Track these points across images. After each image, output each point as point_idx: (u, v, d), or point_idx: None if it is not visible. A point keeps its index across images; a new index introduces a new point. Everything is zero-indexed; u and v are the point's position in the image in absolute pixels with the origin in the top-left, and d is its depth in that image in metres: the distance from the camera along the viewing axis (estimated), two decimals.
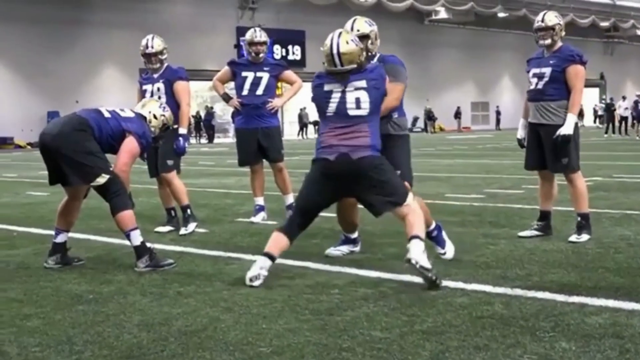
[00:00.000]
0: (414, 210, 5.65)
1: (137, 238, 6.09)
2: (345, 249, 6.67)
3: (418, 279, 5.42)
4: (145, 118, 6.64)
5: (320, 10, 48.70)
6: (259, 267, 5.54)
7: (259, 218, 8.82)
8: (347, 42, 5.75)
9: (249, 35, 8.78)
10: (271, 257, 5.63)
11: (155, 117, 6.71)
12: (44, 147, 6.12)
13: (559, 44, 7.15)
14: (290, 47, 51.21)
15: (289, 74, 8.92)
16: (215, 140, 46.72)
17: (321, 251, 6.74)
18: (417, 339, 4.06)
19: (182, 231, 7.94)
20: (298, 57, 50.29)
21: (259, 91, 8.71)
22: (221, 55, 48.63)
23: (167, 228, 8.16)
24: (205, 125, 47.56)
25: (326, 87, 5.82)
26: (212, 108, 48.35)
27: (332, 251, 6.66)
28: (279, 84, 9.00)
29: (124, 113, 6.45)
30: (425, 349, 3.90)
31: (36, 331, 4.37)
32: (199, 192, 12.24)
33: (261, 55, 8.76)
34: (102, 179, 6.04)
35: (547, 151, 7.09)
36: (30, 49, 41.48)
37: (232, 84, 9.03)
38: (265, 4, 49.55)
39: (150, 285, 5.54)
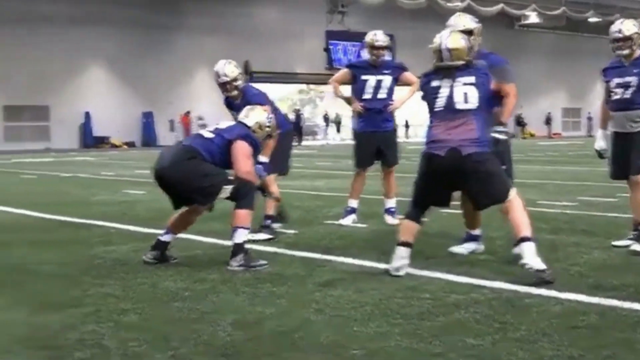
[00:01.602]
0: (516, 206, 5.75)
1: (241, 236, 6.22)
2: (469, 246, 6.70)
3: (509, 286, 5.35)
4: (249, 127, 6.73)
5: (409, 15, 48.49)
6: (400, 257, 5.83)
7: (349, 220, 8.82)
8: (457, 39, 5.86)
9: (369, 38, 8.79)
10: (408, 245, 5.86)
11: (260, 127, 6.80)
12: (161, 180, 6.36)
13: (638, 52, 6.96)
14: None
15: (408, 75, 8.92)
16: (303, 143, 46.96)
17: (412, 254, 6.68)
18: (510, 347, 3.99)
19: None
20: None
21: (381, 94, 8.75)
22: (311, 59, 48.97)
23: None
24: (294, 127, 47.85)
25: (434, 83, 5.92)
26: (300, 110, 48.63)
27: (456, 249, 6.74)
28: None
29: (224, 125, 6.65)
30: (519, 357, 3.83)
31: (133, 326, 4.46)
32: (292, 194, 12.31)
33: (381, 58, 8.78)
34: (226, 192, 6.26)
35: (633, 157, 6.90)
36: (126, 52, 42.49)
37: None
38: (354, 8, 49.56)
39: (243, 284, 5.58)
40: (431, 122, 5.97)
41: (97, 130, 42.11)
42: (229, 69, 7.58)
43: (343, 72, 9.09)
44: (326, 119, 46.76)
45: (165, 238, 6.51)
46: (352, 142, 9.17)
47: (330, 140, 45.61)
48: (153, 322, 4.55)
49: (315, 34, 49.20)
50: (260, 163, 7.19)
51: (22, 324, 4.56)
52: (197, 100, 44.93)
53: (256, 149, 6.66)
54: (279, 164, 7.93)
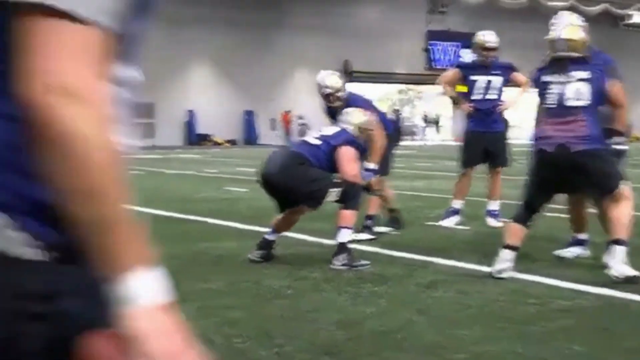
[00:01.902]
0: (623, 203, 5.68)
1: (346, 236, 6.28)
2: (575, 251, 6.58)
3: (618, 294, 5.18)
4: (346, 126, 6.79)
5: (511, 14, 47.70)
6: (504, 259, 5.74)
7: (451, 222, 8.72)
8: (575, 31, 5.80)
9: (479, 39, 8.71)
10: (514, 248, 5.77)
11: (360, 130, 6.83)
12: (269, 184, 6.46)
13: None
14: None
15: (518, 75, 8.80)
16: (402, 143, 46.81)
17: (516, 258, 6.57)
18: (620, 357, 3.87)
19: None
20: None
21: (491, 95, 8.66)
22: (410, 59, 48.71)
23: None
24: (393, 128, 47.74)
25: (545, 78, 5.80)
26: (399, 111, 48.46)
27: (562, 252, 6.61)
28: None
29: (329, 131, 6.72)
30: None
31: (238, 322, 4.51)
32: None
33: (491, 59, 8.68)
34: (333, 195, 6.33)
35: None
36: (229, 50, 43.12)
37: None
38: (455, 8, 49.09)
39: (346, 283, 5.59)
40: (541, 117, 5.86)
41: (200, 128, 42.91)
42: (332, 80, 7.59)
43: (452, 72, 9.02)
44: (425, 119, 46.46)
45: (271, 237, 6.58)
46: (460, 143, 9.10)
47: (429, 141, 45.28)
48: (256, 319, 4.59)
49: (415, 34, 48.94)
50: (369, 169, 7.21)
51: None
52: (298, 100, 45.27)
53: (362, 152, 6.70)
54: (381, 166, 7.89)
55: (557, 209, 6.39)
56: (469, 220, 8.86)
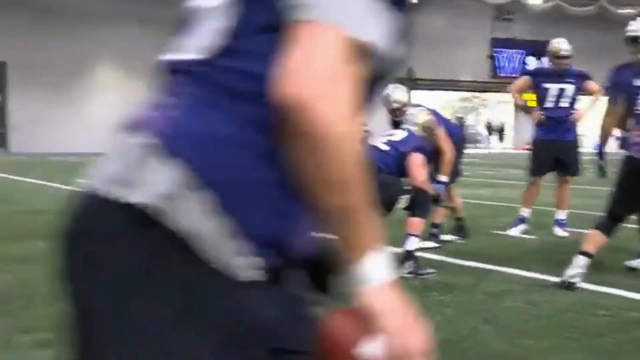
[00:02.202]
0: None
1: (413, 244, 6.26)
2: None
3: None
4: (413, 130, 6.80)
5: (578, 21, 47.02)
6: (578, 265, 5.63)
7: (517, 230, 8.61)
8: None
9: (552, 47, 8.61)
10: (589, 255, 5.67)
11: (424, 129, 6.86)
12: None
13: None
14: (544, 58, 49.92)
15: (591, 84, 8.69)
16: (466, 151, 46.50)
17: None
18: None
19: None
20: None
21: (563, 103, 8.56)
22: (475, 67, 48.39)
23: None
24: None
25: (638, 82, 5.70)
26: (463, 118, 48.13)
27: (634, 263, 6.49)
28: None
29: (397, 137, 6.71)
30: None
31: None
32: None
33: (564, 67, 8.59)
34: (402, 202, 6.31)
35: None
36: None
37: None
38: (521, 15, 48.60)
39: (412, 291, 5.54)
40: (634, 124, 5.76)
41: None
42: (400, 94, 7.56)
43: (523, 79, 8.92)
44: (489, 127, 46.03)
45: None
46: (524, 151, 9.01)
47: (493, 149, 44.84)
48: None
49: (480, 41, 48.61)
50: (440, 182, 7.19)
51: None
52: None
53: (429, 156, 6.68)
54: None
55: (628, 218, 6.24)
56: (536, 229, 8.74)
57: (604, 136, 6.82)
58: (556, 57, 8.56)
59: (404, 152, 6.51)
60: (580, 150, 8.90)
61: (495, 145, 46.52)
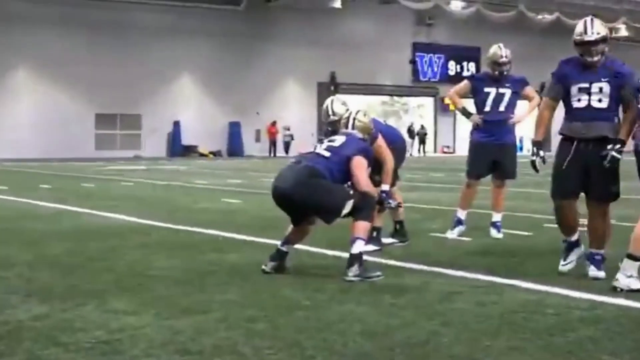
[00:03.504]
0: None
1: (359, 247, 6.26)
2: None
3: (636, 304, 5.24)
4: (351, 133, 6.84)
5: (496, 27, 47.91)
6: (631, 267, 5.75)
7: (455, 233, 8.77)
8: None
9: (492, 54, 8.75)
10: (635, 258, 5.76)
11: (357, 120, 6.98)
12: (282, 198, 6.47)
13: None
14: (465, 63, 50.83)
15: (528, 89, 8.90)
16: None
17: (525, 269, 6.65)
18: None
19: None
20: (474, 73, 49.90)
21: (501, 107, 8.73)
22: (396, 71, 48.96)
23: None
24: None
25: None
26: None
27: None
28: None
29: (336, 143, 6.72)
30: None
31: (265, 334, 4.52)
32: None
33: (505, 73, 8.75)
34: (348, 207, 6.33)
35: None
36: (215, 61, 43.08)
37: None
38: (441, 20, 49.37)
39: (362, 295, 5.60)
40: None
41: (185, 139, 42.82)
42: (338, 107, 7.37)
43: (464, 84, 9.06)
44: (410, 131, 46.58)
45: (284, 248, 6.59)
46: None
47: (415, 153, 45.40)
48: (283, 330, 4.60)
49: (402, 46, 49.19)
50: (384, 191, 7.24)
51: (156, 328, 4.65)
52: (285, 111, 45.34)
53: (370, 160, 6.74)
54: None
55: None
56: (471, 231, 8.91)
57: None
58: (495, 62, 8.74)
59: (346, 155, 6.56)
60: (518, 153, 9.10)
61: (416, 149, 47.08)
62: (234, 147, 44.15)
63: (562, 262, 6.53)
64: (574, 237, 6.53)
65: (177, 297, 5.52)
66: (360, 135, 6.92)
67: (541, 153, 6.46)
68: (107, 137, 41.45)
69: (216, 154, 43.28)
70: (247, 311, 5.07)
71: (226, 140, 44.56)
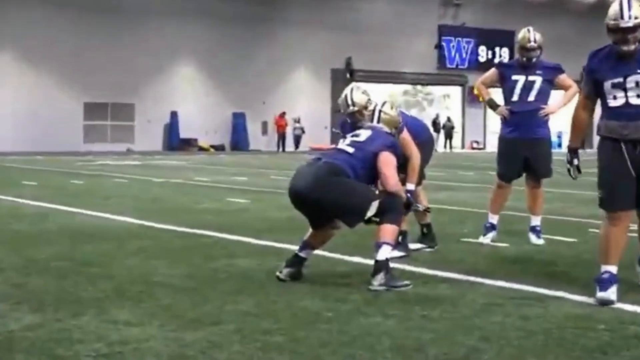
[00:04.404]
0: None
1: (385, 253, 6.27)
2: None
3: None
4: (377, 127, 6.85)
5: (532, 9, 47.94)
6: None
7: (488, 238, 8.76)
8: None
9: (520, 38, 8.75)
10: None
11: (383, 112, 6.98)
12: (300, 199, 6.49)
13: None
14: (497, 48, 50.79)
15: (563, 78, 8.86)
16: None
17: (571, 279, 6.64)
18: None
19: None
20: (506, 60, 49.80)
21: (531, 97, 8.69)
22: (420, 57, 48.92)
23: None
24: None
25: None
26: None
27: None
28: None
29: (361, 137, 6.73)
30: None
31: (283, 348, 4.53)
32: None
33: (534, 60, 8.73)
34: (373, 209, 6.33)
35: None
36: (218, 47, 43.17)
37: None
38: (470, 1, 49.34)
39: (390, 306, 5.61)
40: None
41: (184, 132, 42.92)
42: (358, 96, 7.24)
43: (491, 72, 9.08)
44: (435, 124, 46.53)
45: (303, 254, 6.60)
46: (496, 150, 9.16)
47: (440, 149, 45.31)
48: (303, 344, 4.61)
49: (427, 30, 49.14)
50: (409, 192, 7.20)
51: (162, 340, 4.67)
52: (294, 101, 45.39)
53: (399, 157, 6.75)
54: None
55: None
56: (508, 237, 8.90)
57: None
58: (523, 47, 8.73)
59: (372, 151, 6.57)
60: (556, 150, 9.09)
61: (442, 145, 47.05)
62: (238, 141, 44.26)
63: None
64: (615, 268, 6.00)
65: (184, 307, 5.54)
66: (386, 129, 6.93)
67: (575, 161, 6.25)
68: (97, 129, 41.60)
69: (218, 148, 43.39)
70: (262, 323, 5.09)
71: (229, 133, 44.67)
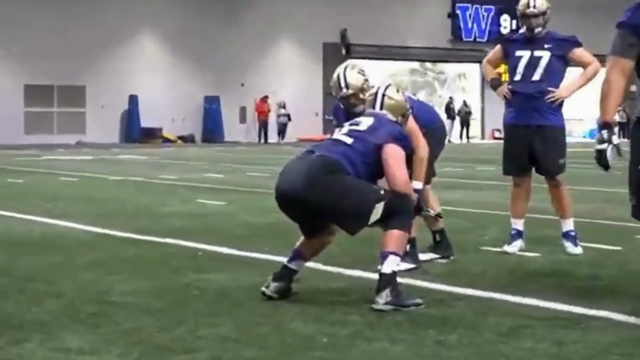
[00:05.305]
0: None
1: (392, 265, 6.25)
2: None
3: None
4: (380, 114, 6.86)
5: None
6: None
7: (514, 248, 8.76)
8: None
9: (520, 4, 8.75)
10: None
11: (388, 97, 6.96)
12: (290, 201, 6.47)
13: None
14: None
15: (580, 52, 8.80)
16: None
17: (616, 296, 6.65)
18: None
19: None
20: (517, 34, 49.86)
21: (536, 76, 8.68)
22: (430, 28, 48.96)
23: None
24: None
25: None
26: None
27: None
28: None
29: (361, 126, 6.71)
30: None
31: None
32: None
33: (537, 29, 8.72)
34: (377, 212, 6.33)
35: None
36: (185, 18, 43.15)
37: None
38: None
39: (398, 329, 5.61)
40: None
41: (146, 120, 42.90)
42: (353, 77, 7.22)
43: (495, 49, 9.17)
44: (449, 109, 46.60)
45: (293, 265, 6.61)
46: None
47: (455, 139, 45.38)
48: None
49: None
50: (415, 190, 7.14)
51: None
52: (279, 82, 45.39)
53: (408, 150, 6.77)
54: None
55: None
56: (534, 245, 8.92)
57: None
58: (523, 15, 8.75)
59: (377, 143, 6.56)
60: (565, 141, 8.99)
61: (458, 134, 47.14)
62: (212, 131, 44.29)
63: None
64: None
65: (149, 332, 5.53)
66: (391, 116, 6.91)
67: (614, 139, 6.05)
68: (41, 117, 41.55)
69: (187, 139, 43.43)
70: (244, 350, 5.09)
71: (200, 121, 44.70)
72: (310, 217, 6.52)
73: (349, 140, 6.60)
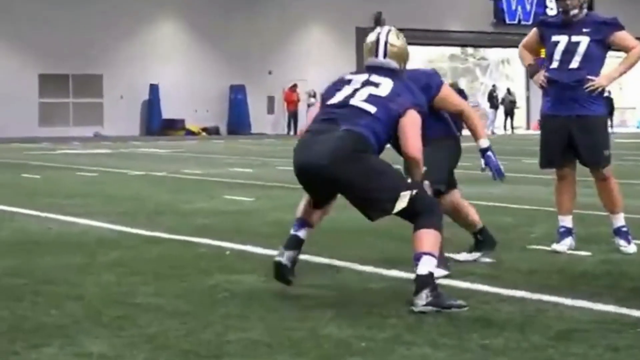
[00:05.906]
0: None
1: (427, 265, 6.25)
2: None
3: None
4: (400, 71, 6.90)
5: None
6: None
7: (564, 246, 8.74)
8: None
9: None
10: None
11: (390, 44, 6.90)
12: (312, 176, 6.55)
13: None
14: None
15: (622, 36, 8.71)
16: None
17: None
18: None
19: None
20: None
21: (574, 63, 8.62)
22: (471, 11, 48.86)
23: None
24: None
25: None
26: (456, 85, 48.50)
27: None
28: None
29: (382, 90, 6.68)
30: None
31: None
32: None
33: (573, 12, 8.65)
34: (404, 201, 6.36)
35: None
36: (209, 3, 43.20)
37: None
38: None
39: (439, 333, 5.62)
40: None
41: (167, 111, 43.01)
42: (395, 39, 7.01)
43: (531, 32, 9.11)
44: (492, 97, 46.48)
45: (302, 234, 6.75)
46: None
47: (498, 129, 45.29)
48: None
49: None
50: (485, 149, 7.36)
51: None
52: (309, 69, 45.39)
53: (424, 114, 6.83)
54: (441, 174, 7.70)
55: None
56: (585, 242, 8.89)
57: None
58: None
59: (399, 111, 6.57)
60: (608, 131, 8.95)
61: (502, 125, 47.00)
62: (237, 122, 44.37)
63: None
64: None
65: (175, 336, 5.57)
66: (395, 64, 6.86)
67: None
68: (56, 108, 41.76)
69: (211, 131, 43.52)
70: (277, 356, 5.12)
71: (225, 112, 44.78)
72: (329, 192, 6.61)
73: (372, 110, 6.57)
